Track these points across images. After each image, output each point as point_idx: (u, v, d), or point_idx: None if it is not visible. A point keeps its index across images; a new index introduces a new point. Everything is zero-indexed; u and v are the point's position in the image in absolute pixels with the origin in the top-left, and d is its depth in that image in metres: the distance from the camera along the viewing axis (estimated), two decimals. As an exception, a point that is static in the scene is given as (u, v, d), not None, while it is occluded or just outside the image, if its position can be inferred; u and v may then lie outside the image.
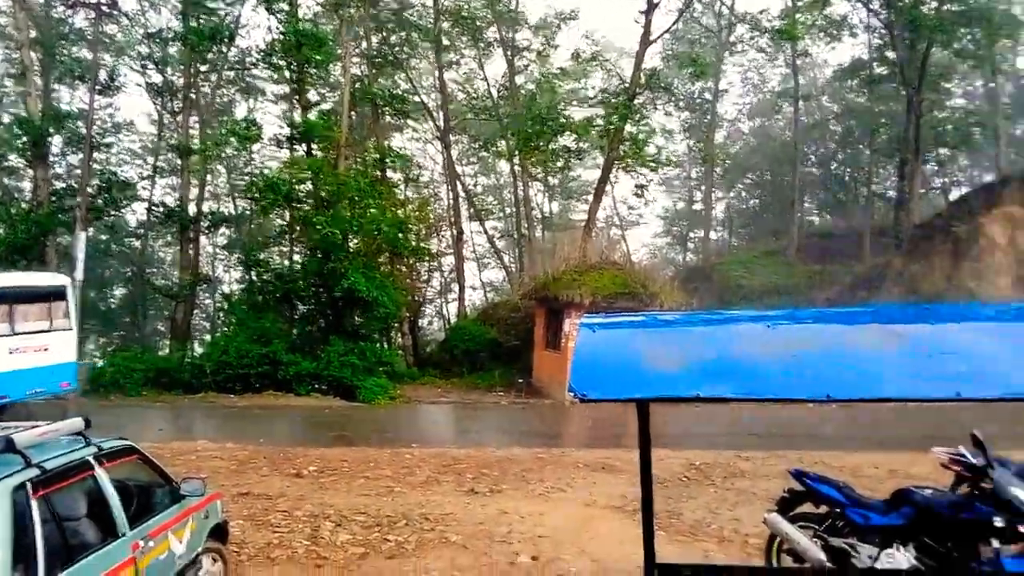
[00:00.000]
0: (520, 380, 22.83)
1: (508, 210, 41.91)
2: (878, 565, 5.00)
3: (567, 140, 28.01)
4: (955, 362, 2.42)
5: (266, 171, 27.87)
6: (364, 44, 30.27)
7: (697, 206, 49.76)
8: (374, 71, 30.30)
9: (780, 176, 45.28)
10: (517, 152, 29.54)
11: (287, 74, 25.55)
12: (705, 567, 4.52)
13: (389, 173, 28.70)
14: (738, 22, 32.74)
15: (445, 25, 31.07)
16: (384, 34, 30.90)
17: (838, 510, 5.48)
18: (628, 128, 25.44)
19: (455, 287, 33.71)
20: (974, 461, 5.82)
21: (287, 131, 25.56)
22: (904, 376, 2.42)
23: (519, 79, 34.35)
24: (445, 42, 31.96)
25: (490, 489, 9.50)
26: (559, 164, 29.87)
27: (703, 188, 46.90)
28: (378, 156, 27.41)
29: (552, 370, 20.37)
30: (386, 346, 27.30)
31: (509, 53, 32.96)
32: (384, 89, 29.10)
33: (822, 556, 5.10)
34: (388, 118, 31.11)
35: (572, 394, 2.38)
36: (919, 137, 28.48)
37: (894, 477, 9.34)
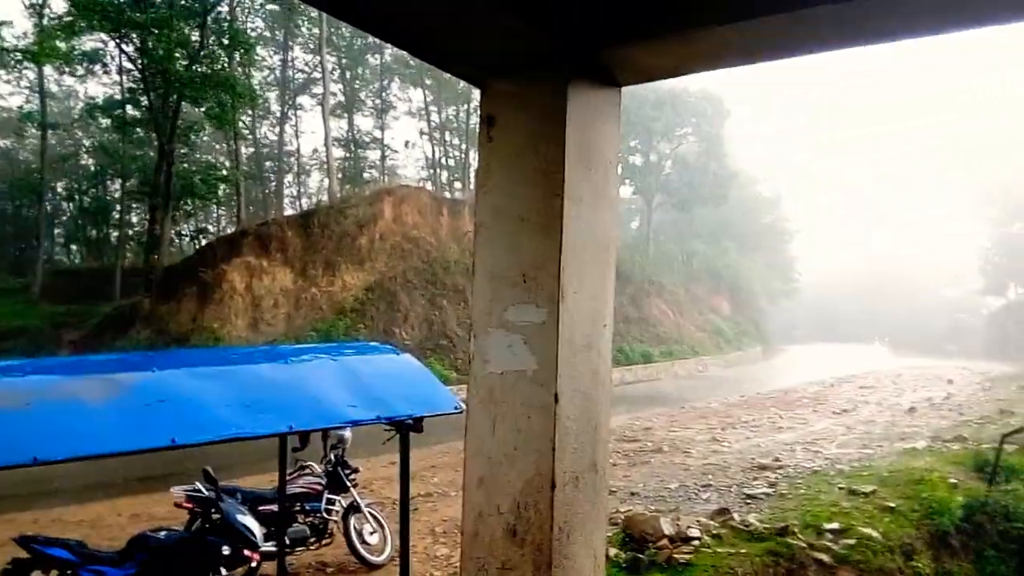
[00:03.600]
0: None
1: None
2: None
3: None
4: (171, 410, 2.51)
5: None
6: None
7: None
8: None
9: (24, 207, 40.70)
10: None
11: None
12: None
13: None
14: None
15: None
16: None
17: (70, 572, 5.10)
18: None
19: None
20: (206, 495, 6.22)
21: None
22: (121, 429, 2.38)
23: None
24: None
25: None
26: None
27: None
28: None
29: None
30: None
31: None
32: None
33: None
34: None
35: None
36: (170, 185, 29.59)
37: (137, 522, 9.25)
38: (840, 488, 9.64)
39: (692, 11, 2.49)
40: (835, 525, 8.18)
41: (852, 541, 7.93)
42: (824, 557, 7.63)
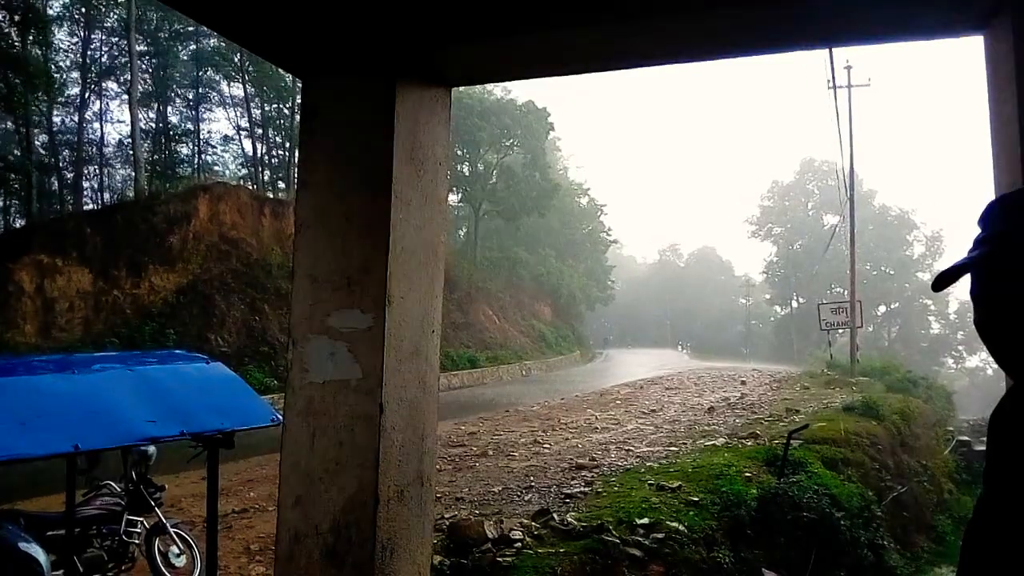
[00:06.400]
0: None
1: None
2: None
3: None
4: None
5: None
6: None
7: None
8: None
9: None
10: None
11: None
12: None
13: None
14: None
15: None
16: None
17: None
18: None
19: None
20: None
21: None
22: None
23: None
24: None
25: None
26: None
27: None
28: None
29: None
30: None
31: None
32: None
33: None
34: None
35: None
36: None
37: None
38: (650, 485, 10.17)
39: (522, 16, 2.49)
40: (645, 520, 8.60)
41: (661, 535, 8.38)
42: (636, 552, 8.00)
